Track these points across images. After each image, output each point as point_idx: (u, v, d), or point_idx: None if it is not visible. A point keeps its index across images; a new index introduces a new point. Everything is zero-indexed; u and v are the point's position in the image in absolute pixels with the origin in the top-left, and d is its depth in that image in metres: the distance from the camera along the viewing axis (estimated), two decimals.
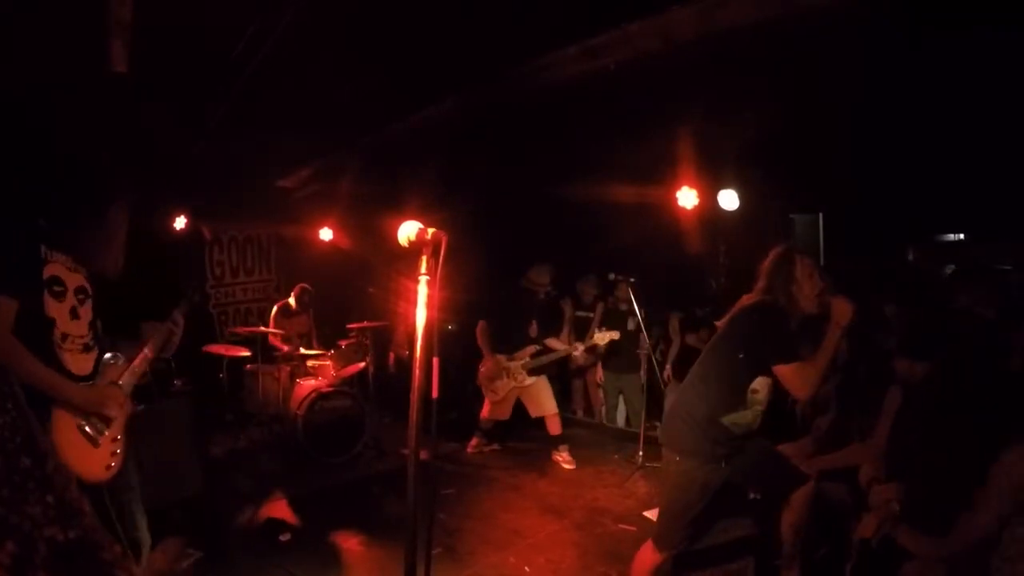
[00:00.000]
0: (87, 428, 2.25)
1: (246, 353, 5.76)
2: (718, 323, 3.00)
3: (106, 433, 2.31)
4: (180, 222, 6.80)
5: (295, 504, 4.51)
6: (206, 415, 5.48)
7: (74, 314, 2.30)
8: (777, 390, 2.74)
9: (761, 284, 2.80)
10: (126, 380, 2.45)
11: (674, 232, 6.07)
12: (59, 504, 0.68)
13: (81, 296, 2.33)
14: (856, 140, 4.81)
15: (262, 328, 6.07)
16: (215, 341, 6.73)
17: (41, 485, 0.68)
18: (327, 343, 6.39)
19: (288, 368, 5.81)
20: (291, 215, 8.02)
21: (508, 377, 5.41)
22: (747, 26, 3.28)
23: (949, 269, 5.55)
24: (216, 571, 3.49)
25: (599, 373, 6.46)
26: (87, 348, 2.34)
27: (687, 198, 5.61)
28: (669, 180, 5.63)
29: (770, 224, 6.01)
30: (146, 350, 2.55)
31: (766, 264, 2.82)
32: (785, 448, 3.56)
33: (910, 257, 6.26)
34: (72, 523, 0.68)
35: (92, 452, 2.26)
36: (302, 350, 5.97)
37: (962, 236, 6.53)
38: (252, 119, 5.20)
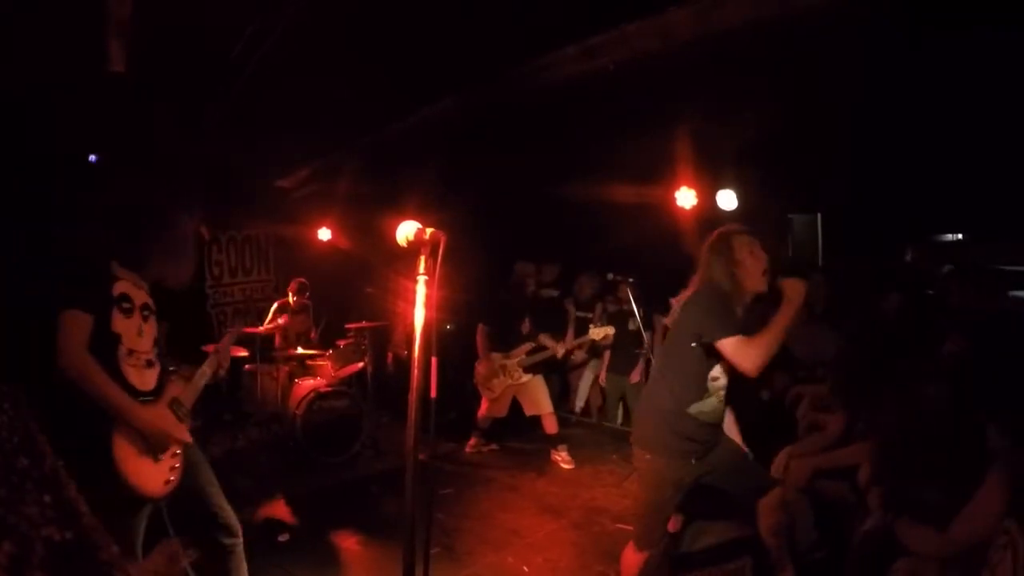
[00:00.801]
0: (148, 442, 2.30)
1: (244, 353, 5.76)
2: (666, 320, 2.95)
3: (168, 448, 2.38)
4: None
5: (293, 504, 4.51)
6: (204, 415, 5.47)
7: (140, 331, 2.36)
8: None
9: (700, 272, 2.73)
10: (187, 397, 2.55)
11: (673, 232, 6.07)
12: (57, 504, 0.68)
13: (146, 313, 2.41)
14: (855, 140, 4.81)
15: (260, 329, 6.06)
16: (213, 341, 6.72)
17: (39, 485, 0.67)
18: (325, 343, 6.38)
19: (287, 368, 5.81)
20: (289, 215, 8.02)
21: (504, 375, 5.41)
22: (745, 26, 3.28)
23: (947, 269, 5.56)
24: (214, 571, 3.48)
25: (603, 374, 6.45)
26: (150, 364, 2.42)
27: (686, 198, 5.62)
28: (668, 180, 5.64)
29: (769, 224, 6.01)
30: (205, 368, 2.68)
31: (702, 251, 2.75)
32: (789, 449, 3.55)
33: (908, 257, 6.26)
34: (70, 523, 0.68)
35: (152, 466, 2.31)
36: (300, 349, 5.96)
37: (960, 236, 6.53)
38: (251, 119, 5.20)
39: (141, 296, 2.39)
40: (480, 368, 5.55)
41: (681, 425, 2.66)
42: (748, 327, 2.55)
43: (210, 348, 5.82)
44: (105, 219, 2.52)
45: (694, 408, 2.66)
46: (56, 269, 2.47)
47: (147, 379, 2.37)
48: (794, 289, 2.54)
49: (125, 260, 2.36)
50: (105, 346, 2.22)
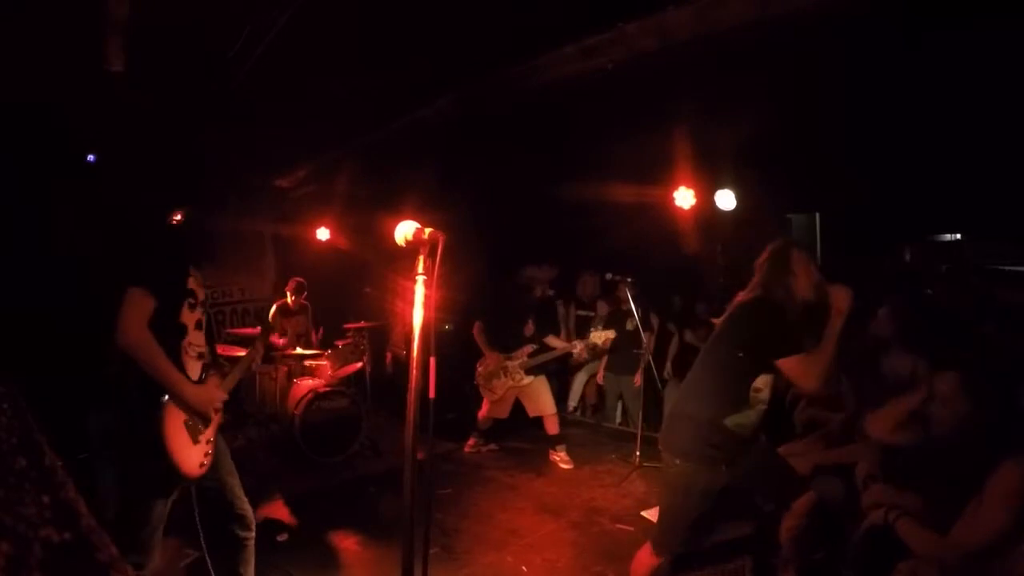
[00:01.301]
0: (190, 423, 2.48)
1: (243, 353, 5.74)
2: (715, 320, 2.97)
3: (204, 432, 2.55)
4: None
5: (292, 504, 4.50)
6: None
7: (199, 325, 2.56)
8: (773, 391, 2.73)
9: (757, 279, 2.76)
10: (222, 391, 2.71)
11: (672, 232, 6.08)
12: (55, 505, 0.67)
13: (202, 309, 2.59)
14: (853, 140, 4.81)
15: (259, 328, 6.04)
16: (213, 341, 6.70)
17: (37, 486, 0.67)
18: (324, 343, 6.37)
19: (285, 368, 5.80)
20: (288, 215, 8.00)
21: (506, 376, 5.40)
22: (744, 25, 3.28)
23: (944, 269, 5.58)
24: (213, 571, 3.48)
25: (600, 374, 6.46)
26: (201, 356, 2.59)
27: (684, 198, 5.62)
28: (666, 180, 5.64)
29: (767, 224, 6.02)
30: (235, 371, 2.88)
31: (762, 259, 2.80)
32: (788, 447, 3.55)
33: (907, 257, 6.27)
34: (68, 524, 0.68)
35: (192, 447, 2.48)
36: (299, 350, 5.96)
37: (959, 236, 6.54)
38: (249, 118, 5.19)
39: (201, 293, 2.57)
40: (481, 369, 5.53)
41: (715, 436, 2.62)
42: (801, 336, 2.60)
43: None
44: (183, 222, 2.72)
45: (731, 420, 2.63)
46: (139, 255, 2.70)
47: (196, 370, 2.55)
48: (841, 298, 2.58)
49: (194, 258, 2.56)
50: (171, 335, 2.40)
